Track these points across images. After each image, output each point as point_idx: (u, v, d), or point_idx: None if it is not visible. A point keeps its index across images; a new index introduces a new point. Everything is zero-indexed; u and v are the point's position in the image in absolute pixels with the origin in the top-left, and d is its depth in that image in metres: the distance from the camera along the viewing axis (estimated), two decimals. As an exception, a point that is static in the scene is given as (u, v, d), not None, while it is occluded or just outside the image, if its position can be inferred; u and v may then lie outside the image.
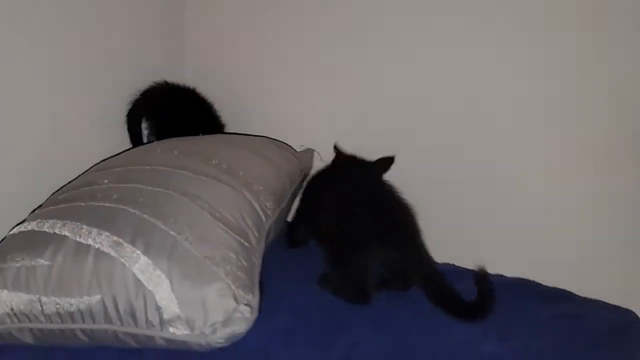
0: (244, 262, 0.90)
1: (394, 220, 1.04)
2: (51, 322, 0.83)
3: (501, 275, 1.13)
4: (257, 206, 1.03)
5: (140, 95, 1.39)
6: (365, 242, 1.01)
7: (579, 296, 1.09)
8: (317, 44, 1.39)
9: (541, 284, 1.12)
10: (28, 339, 0.85)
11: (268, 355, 0.89)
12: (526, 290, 1.10)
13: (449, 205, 1.31)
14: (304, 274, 1.10)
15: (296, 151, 1.35)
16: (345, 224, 1.05)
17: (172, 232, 0.86)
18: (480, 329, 0.96)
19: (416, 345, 0.93)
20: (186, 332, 0.80)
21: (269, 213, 1.06)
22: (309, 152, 1.38)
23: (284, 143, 1.34)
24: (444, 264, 1.16)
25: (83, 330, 0.83)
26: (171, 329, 0.81)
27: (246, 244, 0.93)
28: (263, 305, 0.88)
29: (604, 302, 1.07)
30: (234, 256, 0.89)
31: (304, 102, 1.44)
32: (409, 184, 1.13)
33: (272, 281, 1.00)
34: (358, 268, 1.01)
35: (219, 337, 0.80)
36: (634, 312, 1.04)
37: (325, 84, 1.41)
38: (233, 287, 0.83)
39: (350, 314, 1.00)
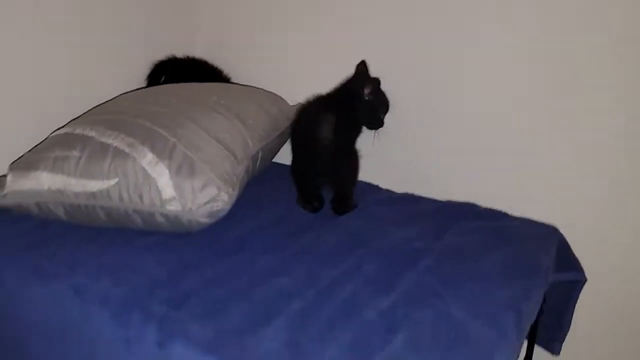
0: (229, 169, 1.14)
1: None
2: (78, 199, 1.09)
3: (450, 201, 1.37)
4: (245, 134, 1.28)
5: (162, 60, 1.63)
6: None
7: (512, 215, 1.31)
8: (330, 17, 1.54)
9: (482, 207, 1.34)
10: (61, 214, 1.11)
11: (243, 241, 1.14)
12: (470, 210, 1.33)
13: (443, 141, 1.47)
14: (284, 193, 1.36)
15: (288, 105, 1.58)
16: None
17: (172, 139, 1.11)
18: (417, 232, 1.19)
19: (364, 241, 1.17)
20: (179, 208, 1.05)
21: (255, 141, 1.29)
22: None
23: (280, 98, 1.57)
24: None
25: (102, 207, 1.09)
26: (167, 207, 1.06)
27: (232, 157, 1.18)
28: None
29: (533, 220, 1.29)
30: (221, 163, 1.13)
31: (314, 75, 1.58)
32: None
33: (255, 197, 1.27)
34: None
35: (202, 213, 1.05)
36: (554, 227, 1.26)
37: (335, 56, 1.55)
38: (217, 181, 1.08)
39: (314, 219, 1.25)
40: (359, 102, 1.32)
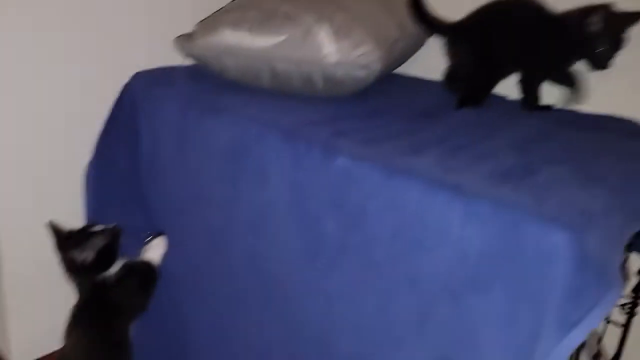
0: (381, 37, 1.26)
1: None
2: (250, 52, 1.25)
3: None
4: (389, 20, 1.38)
5: None
6: None
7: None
8: None
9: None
10: (233, 71, 1.29)
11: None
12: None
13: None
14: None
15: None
16: None
17: (334, 9, 1.25)
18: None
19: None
20: (335, 59, 1.19)
21: (398, 30, 1.39)
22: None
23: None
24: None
25: (269, 61, 1.24)
26: (326, 60, 1.19)
27: (383, 32, 1.29)
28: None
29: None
30: (374, 29, 1.26)
31: None
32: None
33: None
34: None
35: (356, 63, 1.19)
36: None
37: None
38: (370, 41, 1.21)
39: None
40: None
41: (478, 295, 0.82)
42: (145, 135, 1.33)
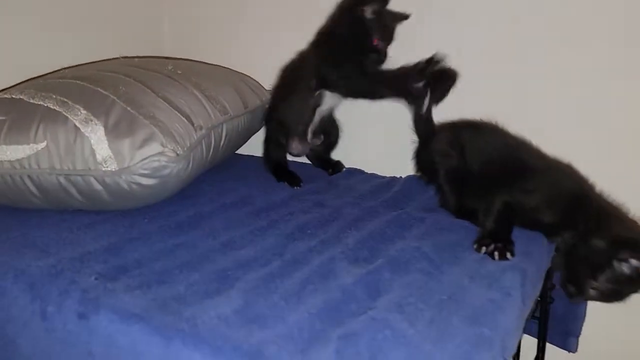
0: (181, 130, 0.99)
1: None
2: (3, 167, 0.93)
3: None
4: (206, 104, 1.13)
5: None
6: None
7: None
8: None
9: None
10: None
11: (202, 218, 0.98)
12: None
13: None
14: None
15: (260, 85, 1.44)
16: None
17: (112, 96, 0.97)
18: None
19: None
20: (114, 167, 0.89)
21: (217, 113, 1.14)
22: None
23: (251, 77, 1.43)
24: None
25: (30, 177, 0.93)
26: (102, 168, 0.90)
27: (185, 121, 1.02)
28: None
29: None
30: (169, 121, 0.98)
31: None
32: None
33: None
34: None
35: (141, 169, 0.90)
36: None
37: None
38: (162, 137, 0.93)
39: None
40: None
41: None
42: None
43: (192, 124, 1.04)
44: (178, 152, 0.94)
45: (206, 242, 0.90)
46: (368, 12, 1.16)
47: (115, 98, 0.96)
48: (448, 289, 0.76)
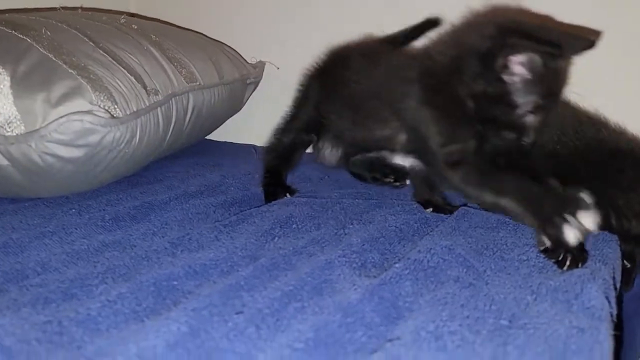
0: (124, 88, 0.73)
1: None
2: None
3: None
4: (166, 66, 0.88)
5: None
6: None
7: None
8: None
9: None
10: None
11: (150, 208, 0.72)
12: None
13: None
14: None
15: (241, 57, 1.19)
16: None
17: (29, 40, 0.71)
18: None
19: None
20: (21, 131, 0.63)
21: (182, 80, 0.89)
22: (260, 64, 1.23)
23: (231, 47, 1.18)
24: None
25: None
26: (6, 132, 0.64)
27: (133, 79, 0.76)
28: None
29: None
30: (108, 75, 0.72)
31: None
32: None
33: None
34: None
35: (58, 131, 0.63)
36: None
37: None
38: (92, 94, 0.66)
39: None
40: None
41: None
42: None
43: (145, 87, 0.78)
44: (115, 114, 0.67)
45: (150, 241, 0.64)
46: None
47: (32, 43, 0.70)
48: (505, 309, 0.49)
